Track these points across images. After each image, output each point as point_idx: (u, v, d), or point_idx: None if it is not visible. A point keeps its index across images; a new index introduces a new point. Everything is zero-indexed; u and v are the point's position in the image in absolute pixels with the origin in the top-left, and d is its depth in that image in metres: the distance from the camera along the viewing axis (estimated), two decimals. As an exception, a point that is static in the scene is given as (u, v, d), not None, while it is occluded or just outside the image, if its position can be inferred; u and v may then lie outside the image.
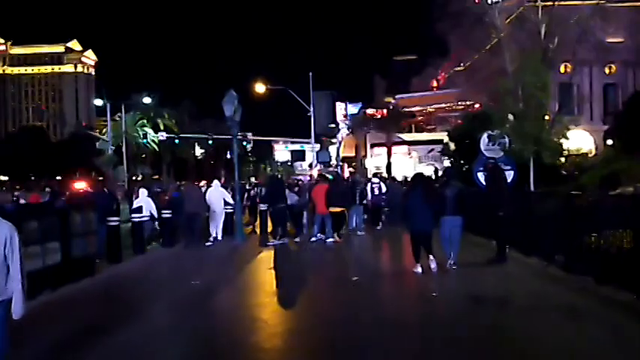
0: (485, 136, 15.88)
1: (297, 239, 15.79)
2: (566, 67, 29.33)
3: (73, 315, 8.02)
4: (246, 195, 20.44)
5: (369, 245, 15.42)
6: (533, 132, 14.53)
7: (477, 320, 6.97)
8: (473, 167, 16.45)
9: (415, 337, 6.41)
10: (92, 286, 10.07)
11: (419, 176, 11.39)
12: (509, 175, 14.66)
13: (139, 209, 14.63)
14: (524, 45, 22.12)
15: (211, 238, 16.09)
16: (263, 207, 17.54)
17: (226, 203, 17.57)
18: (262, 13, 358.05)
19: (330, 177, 25.34)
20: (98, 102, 57.25)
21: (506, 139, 15.47)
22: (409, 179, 15.07)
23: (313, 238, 15.55)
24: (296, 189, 17.02)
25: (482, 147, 16.20)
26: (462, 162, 20.01)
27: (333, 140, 52.06)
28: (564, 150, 16.29)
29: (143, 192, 16.34)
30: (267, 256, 13.38)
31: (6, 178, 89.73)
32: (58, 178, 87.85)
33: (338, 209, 15.68)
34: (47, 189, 55.99)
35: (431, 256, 10.01)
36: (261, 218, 18.20)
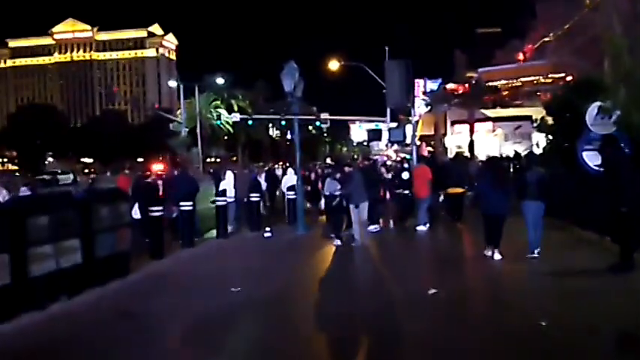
0: (594, 107, 13.10)
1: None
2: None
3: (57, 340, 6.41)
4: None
5: (448, 239, 13.08)
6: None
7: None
8: (577, 145, 13.73)
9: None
10: (115, 293, 8.48)
11: (490, 160, 11.61)
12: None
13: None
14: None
15: (267, 229, 14.37)
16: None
17: (290, 188, 16.18)
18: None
19: (407, 157, 23.23)
20: (172, 83, 57.36)
21: (618, 112, 12.66)
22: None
23: (419, 227, 13.79)
24: (338, 175, 12.81)
25: (588, 121, 13.44)
26: (550, 139, 17.18)
27: (411, 119, 49.31)
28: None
29: (230, 175, 15.48)
30: (328, 253, 11.42)
31: (91, 160, 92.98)
32: (140, 160, 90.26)
33: (458, 190, 14.30)
34: (126, 171, 57.08)
35: (497, 249, 9.78)
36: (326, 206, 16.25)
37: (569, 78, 39.74)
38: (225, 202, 14.20)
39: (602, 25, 20.57)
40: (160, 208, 11.44)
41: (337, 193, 12.37)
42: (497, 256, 9.78)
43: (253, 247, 12.54)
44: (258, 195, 15.28)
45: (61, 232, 8.03)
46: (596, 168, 13.35)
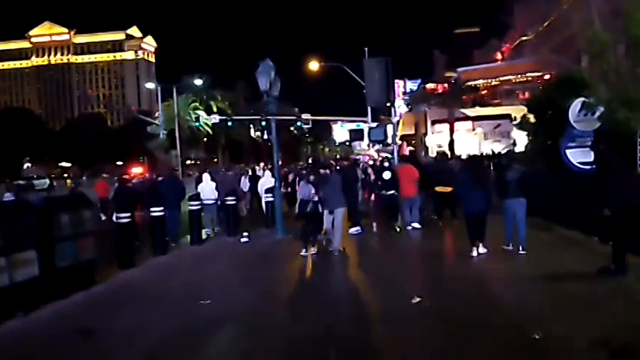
0: (576, 103, 12.83)
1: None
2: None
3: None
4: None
5: (433, 241, 12.65)
6: (641, 97, 11.30)
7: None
8: (560, 143, 13.46)
9: None
10: (76, 307, 7.89)
11: (471, 159, 12.02)
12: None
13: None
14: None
15: (245, 233, 13.88)
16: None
17: (268, 190, 15.74)
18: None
19: (389, 156, 22.86)
20: (150, 85, 56.51)
21: (601, 108, 12.38)
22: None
23: (409, 227, 13.69)
24: (312, 178, 11.57)
25: (571, 118, 13.18)
26: (532, 137, 16.88)
27: (392, 119, 48.91)
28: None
29: (206, 177, 15.19)
30: (306, 260, 10.78)
31: (69, 164, 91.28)
32: (120, 163, 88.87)
33: (448, 189, 13.89)
34: (104, 175, 56.03)
35: (481, 242, 9.95)
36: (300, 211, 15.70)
37: (547, 77, 39.82)
38: (198, 207, 13.71)
39: (580, 23, 20.41)
40: (128, 214, 10.88)
41: (313, 198, 11.20)
42: (482, 250, 9.93)
43: (228, 254, 11.96)
44: (234, 198, 14.79)
45: (17, 242, 7.47)
46: (580, 166, 13.11)
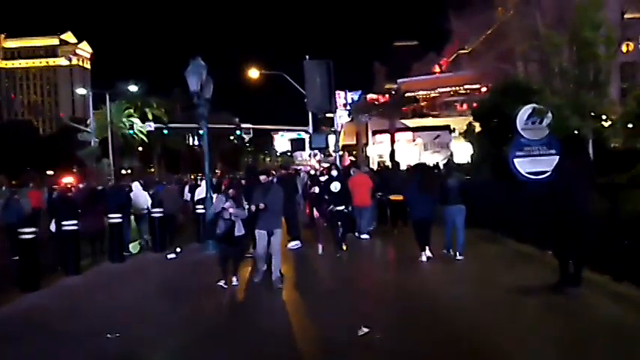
0: (524, 110, 12.29)
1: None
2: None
3: None
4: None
5: (384, 255, 11.82)
6: (592, 103, 10.86)
7: None
8: (508, 152, 12.89)
9: None
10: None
11: (418, 166, 12.23)
12: (553, 162, 11.17)
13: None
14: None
15: (178, 249, 12.69)
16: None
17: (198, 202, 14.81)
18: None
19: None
20: (81, 91, 53.88)
21: (550, 115, 11.89)
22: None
23: (363, 236, 13.56)
24: (230, 191, 9.30)
25: (519, 125, 12.65)
26: (477, 147, 16.44)
27: (334, 128, 48.43)
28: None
29: (136, 185, 14.60)
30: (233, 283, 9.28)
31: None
32: (50, 172, 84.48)
33: (400, 197, 13.70)
34: (31, 184, 52.83)
35: (427, 247, 10.31)
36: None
37: (484, 89, 40.26)
38: (119, 220, 12.33)
39: (522, 32, 20.20)
40: (33, 229, 9.45)
41: (219, 211, 8.98)
42: (428, 254, 10.26)
43: (149, 275, 10.57)
44: (160, 210, 13.54)
45: None
46: (529, 176, 12.57)
